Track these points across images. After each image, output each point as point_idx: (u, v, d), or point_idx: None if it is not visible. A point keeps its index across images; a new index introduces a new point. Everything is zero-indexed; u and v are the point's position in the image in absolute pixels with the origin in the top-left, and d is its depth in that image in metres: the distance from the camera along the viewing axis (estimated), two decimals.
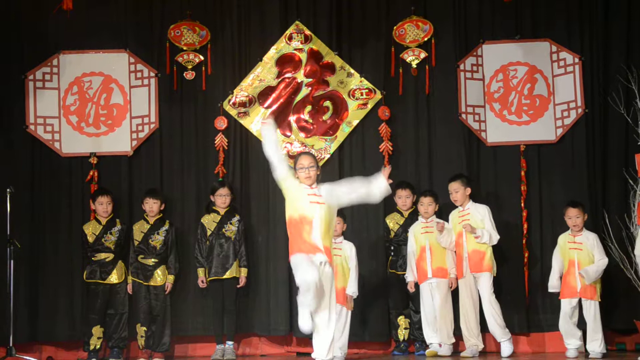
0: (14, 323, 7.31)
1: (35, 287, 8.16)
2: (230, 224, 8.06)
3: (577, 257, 7.53)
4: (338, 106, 8.48)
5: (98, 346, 7.94)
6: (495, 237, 7.76)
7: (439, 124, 8.44)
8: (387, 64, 8.47)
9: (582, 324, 7.62)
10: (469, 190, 7.89)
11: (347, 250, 7.54)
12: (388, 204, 8.27)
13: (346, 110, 8.46)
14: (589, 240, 7.57)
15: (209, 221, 8.09)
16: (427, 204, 7.96)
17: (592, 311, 7.48)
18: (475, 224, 7.74)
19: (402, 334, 8.04)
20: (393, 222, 8.18)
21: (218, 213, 8.08)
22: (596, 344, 7.47)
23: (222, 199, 8.06)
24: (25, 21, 8.38)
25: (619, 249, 7.83)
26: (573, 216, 7.61)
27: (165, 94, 8.45)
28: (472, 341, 7.71)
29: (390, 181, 6.29)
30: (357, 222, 8.28)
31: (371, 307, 8.12)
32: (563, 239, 7.69)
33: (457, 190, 7.85)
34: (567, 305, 7.54)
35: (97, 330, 7.93)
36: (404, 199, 8.11)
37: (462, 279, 7.75)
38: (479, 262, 7.68)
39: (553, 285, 7.66)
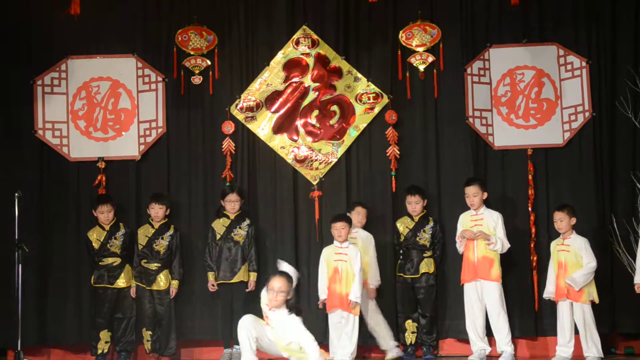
0: (22, 327, 7.35)
1: (44, 290, 8.19)
2: (240, 228, 8.07)
3: (565, 258, 7.53)
4: (345, 110, 8.48)
5: (106, 350, 7.98)
6: (507, 245, 7.75)
7: (446, 127, 8.43)
8: (394, 68, 8.47)
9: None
10: (485, 195, 7.89)
11: (352, 255, 7.56)
12: (397, 209, 8.28)
13: (353, 114, 8.46)
14: (577, 243, 7.56)
15: (219, 225, 8.10)
16: (363, 215, 8.07)
17: (581, 314, 7.44)
18: (487, 229, 7.73)
19: (410, 337, 8.05)
20: (403, 225, 8.18)
21: (228, 217, 8.10)
22: (592, 350, 7.42)
23: (231, 204, 8.07)
24: (33, 26, 8.42)
25: (627, 253, 7.81)
26: (557, 219, 7.64)
27: (172, 99, 8.48)
28: (479, 345, 7.69)
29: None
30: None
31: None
32: (554, 243, 7.71)
33: (476, 195, 7.83)
34: (560, 309, 7.54)
35: (104, 335, 7.96)
36: (413, 204, 8.11)
37: (469, 283, 7.74)
38: (488, 270, 7.67)
39: (548, 291, 7.65)
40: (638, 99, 8.17)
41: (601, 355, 7.44)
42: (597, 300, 7.51)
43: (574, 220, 7.63)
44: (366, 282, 7.84)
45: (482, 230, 7.70)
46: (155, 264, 8.00)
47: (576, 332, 7.53)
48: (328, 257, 7.63)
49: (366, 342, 8.04)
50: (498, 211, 7.94)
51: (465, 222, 7.88)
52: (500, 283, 7.68)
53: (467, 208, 8.00)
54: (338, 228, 7.61)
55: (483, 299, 7.70)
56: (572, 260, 7.51)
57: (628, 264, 7.79)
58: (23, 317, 7.37)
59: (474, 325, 7.71)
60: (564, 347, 7.51)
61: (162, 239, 8.04)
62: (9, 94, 8.40)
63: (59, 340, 8.20)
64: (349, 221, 7.70)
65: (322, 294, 7.63)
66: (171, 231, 8.09)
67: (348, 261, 7.51)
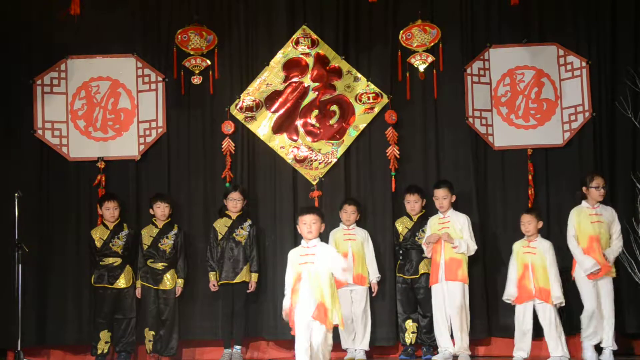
0: (22, 327, 7.35)
1: (43, 291, 8.19)
2: (242, 228, 8.07)
3: (532, 261, 7.62)
4: (345, 110, 8.48)
5: (106, 350, 7.97)
6: (473, 248, 7.81)
7: (446, 128, 8.44)
8: (394, 68, 8.47)
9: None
10: (454, 198, 7.94)
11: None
12: (397, 209, 8.28)
13: (353, 114, 8.46)
14: (543, 246, 7.66)
15: (221, 225, 8.11)
16: (350, 212, 8.04)
17: (547, 314, 7.53)
18: (454, 232, 7.77)
19: (410, 337, 8.05)
20: (402, 226, 8.19)
21: (230, 217, 8.10)
22: (559, 349, 7.51)
23: (233, 202, 8.07)
24: (33, 26, 8.42)
25: (627, 253, 7.80)
26: (525, 222, 7.72)
27: (172, 99, 8.48)
28: (444, 346, 7.75)
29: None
30: (366, 226, 8.26)
31: (379, 310, 8.13)
32: (518, 245, 7.77)
33: (446, 197, 7.89)
34: (520, 311, 7.63)
35: (104, 335, 7.95)
36: (412, 203, 8.12)
37: (435, 285, 7.79)
38: (455, 271, 7.71)
39: (510, 293, 7.71)
40: (638, 99, 8.18)
41: (568, 355, 7.54)
42: (564, 302, 7.59)
43: (540, 224, 7.74)
44: (365, 279, 7.94)
45: (447, 232, 7.75)
46: (162, 264, 8.00)
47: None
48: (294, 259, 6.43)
49: (374, 342, 8.08)
50: (497, 211, 7.95)
51: (433, 225, 7.92)
52: (466, 284, 7.74)
53: (467, 209, 8.03)
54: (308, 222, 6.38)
55: (448, 301, 7.75)
56: (539, 262, 7.61)
57: (628, 264, 7.79)
58: (23, 317, 7.38)
59: (438, 328, 7.76)
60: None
61: (167, 238, 8.04)
62: (9, 93, 8.40)
63: (59, 340, 8.20)
64: (320, 215, 6.49)
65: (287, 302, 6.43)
66: (175, 230, 8.10)
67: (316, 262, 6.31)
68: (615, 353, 7.64)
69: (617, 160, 8.26)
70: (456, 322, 7.70)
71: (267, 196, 8.42)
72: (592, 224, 7.59)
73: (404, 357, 8.04)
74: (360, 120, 8.46)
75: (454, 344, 7.76)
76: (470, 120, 8.39)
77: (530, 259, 7.63)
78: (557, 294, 7.54)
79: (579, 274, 7.59)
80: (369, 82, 8.46)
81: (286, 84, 8.50)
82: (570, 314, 7.81)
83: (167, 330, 7.99)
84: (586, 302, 7.58)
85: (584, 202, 7.69)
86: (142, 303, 8.05)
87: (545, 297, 7.54)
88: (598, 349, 7.59)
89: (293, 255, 6.39)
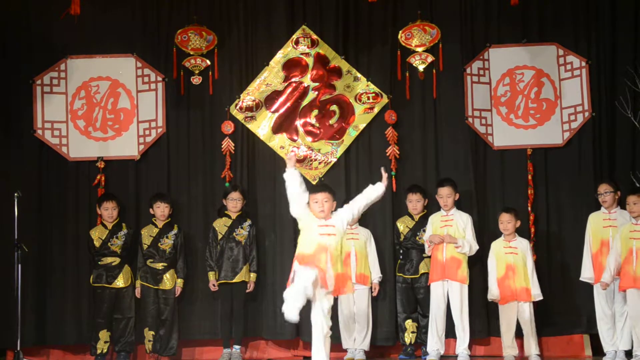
0: (22, 327, 7.35)
1: (43, 290, 8.20)
2: (241, 228, 8.08)
3: (514, 261, 7.68)
4: (345, 110, 8.49)
5: (105, 350, 7.97)
6: (475, 248, 7.84)
7: (446, 127, 8.44)
8: (394, 68, 8.47)
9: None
10: (457, 196, 7.96)
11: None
12: (397, 208, 8.29)
13: (353, 114, 8.47)
14: (522, 245, 7.75)
15: (221, 225, 8.11)
16: None
17: (526, 313, 7.63)
18: (457, 230, 7.80)
19: (409, 337, 8.05)
20: (403, 225, 8.19)
21: (230, 217, 8.11)
22: (532, 347, 7.62)
23: (233, 202, 8.08)
24: (33, 26, 8.43)
25: None
26: (505, 221, 7.79)
27: (172, 99, 8.48)
28: (437, 345, 7.76)
29: (386, 184, 6.36)
30: (365, 226, 8.26)
31: (379, 310, 8.13)
32: (497, 244, 7.82)
33: (450, 196, 7.90)
34: (506, 310, 7.68)
35: (103, 334, 7.96)
36: (414, 202, 8.12)
37: (436, 282, 7.79)
38: (455, 271, 7.73)
39: (494, 294, 7.75)
40: (637, 99, 8.20)
41: (539, 353, 7.66)
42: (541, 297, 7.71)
43: (518, 223, 7.82)
44: (368, 278, 7.92)
45: (449, 234, 7.76)
46: (162, 264, 8.01)
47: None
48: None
49: (373, 342, 8.07)
50: (496, 211, 7.95)
51: (435, 222, 7.92)
52: (466, 285, 7.77)
53: (467, 208, 8.03)
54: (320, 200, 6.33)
55: (446, 299, 7.78)
56: (520, 262, 7.70)
57: None
58: (22, 317, 7.38)
59: (436, 325, 7.76)
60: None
61: (167, 237, 8.05)
62: (9, 93, 8.40)
63: (59, 340, 8.20)
64: (332, 193, 6.46)
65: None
66: (175, 230, 8.10)
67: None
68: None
69: (617, 160, 8.28)
70: (458, 324, 7.73)
71: (266, 196, 8.42)
72: (603, 228, 7.66)
73: (403, 356, 8.04)
74: (360, 120, 8.46)
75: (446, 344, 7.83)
76: (470, 120, 8.39)
77: (513, 260, 7.69)
78: (536, 292, 7.65)
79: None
80: (369, 82, 8.46)
81: (286, 84, 8.50)
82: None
83: (166, 330, 7.99)
84: (596, 306, 7.68)
85: (602, 208, 7.75)
86: (141, 303, 8.05)
87: (526, 296, 7.62)
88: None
89: (311, 222, 6.30)
